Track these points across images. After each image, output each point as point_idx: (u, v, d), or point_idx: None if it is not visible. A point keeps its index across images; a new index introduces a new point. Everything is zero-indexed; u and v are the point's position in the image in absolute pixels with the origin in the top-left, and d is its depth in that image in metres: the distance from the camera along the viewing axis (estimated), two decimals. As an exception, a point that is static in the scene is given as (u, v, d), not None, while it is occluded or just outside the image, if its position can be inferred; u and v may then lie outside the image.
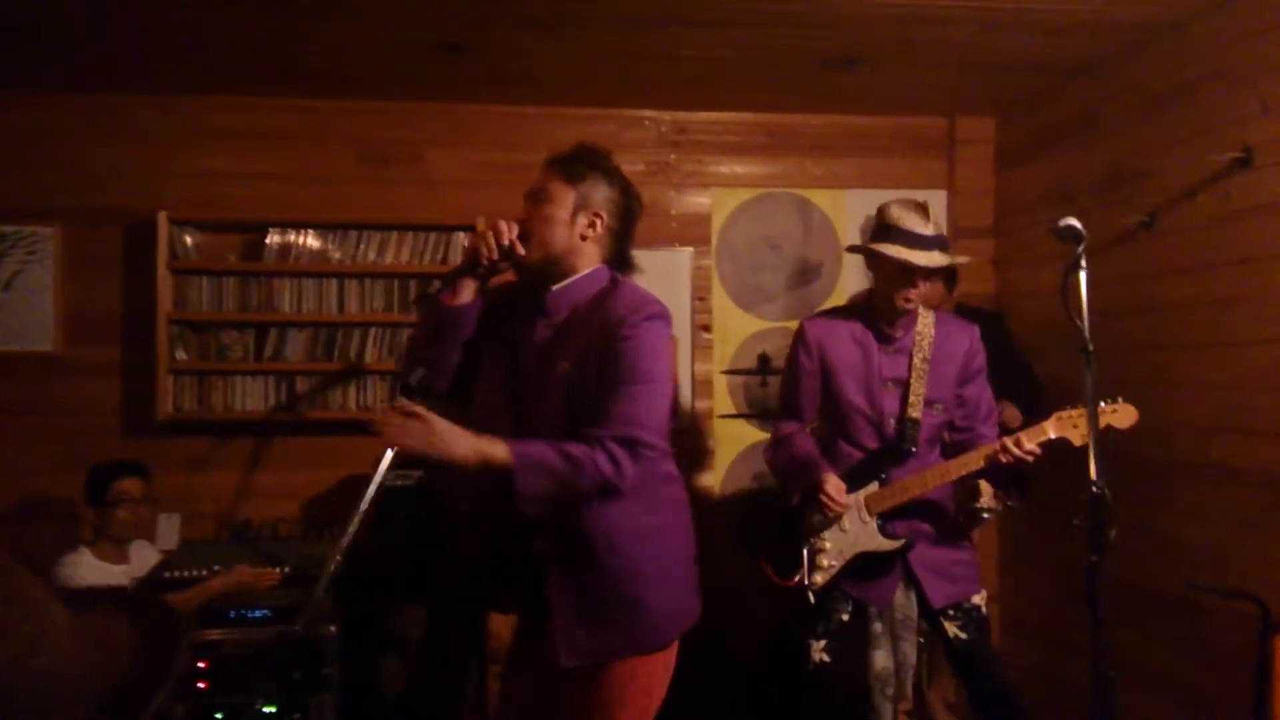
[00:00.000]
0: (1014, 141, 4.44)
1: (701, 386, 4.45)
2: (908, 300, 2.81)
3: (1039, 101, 4.16)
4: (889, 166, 4.54)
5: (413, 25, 3.33)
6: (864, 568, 2.85)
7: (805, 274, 4.53)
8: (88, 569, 3.30)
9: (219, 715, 3.18)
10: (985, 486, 3.27)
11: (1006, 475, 2.92)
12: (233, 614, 3.31)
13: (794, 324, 3.18)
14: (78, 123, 4.07)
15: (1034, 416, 2.81)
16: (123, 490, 3.40)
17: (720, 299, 4.48)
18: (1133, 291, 3.53)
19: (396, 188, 4.26)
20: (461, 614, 3.68)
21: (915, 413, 2.83)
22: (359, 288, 4.14)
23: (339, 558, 2.05)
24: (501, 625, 2.82)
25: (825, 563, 2.85)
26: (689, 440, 4.34)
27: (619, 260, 2.32)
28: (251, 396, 4.07)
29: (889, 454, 2.85)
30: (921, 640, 3.55)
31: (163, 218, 3.95)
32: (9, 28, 3.32)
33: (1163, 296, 3.42)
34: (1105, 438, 2.20)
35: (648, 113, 4.46)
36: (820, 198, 4.53)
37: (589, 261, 2.27)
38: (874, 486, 2.84)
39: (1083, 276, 2.18)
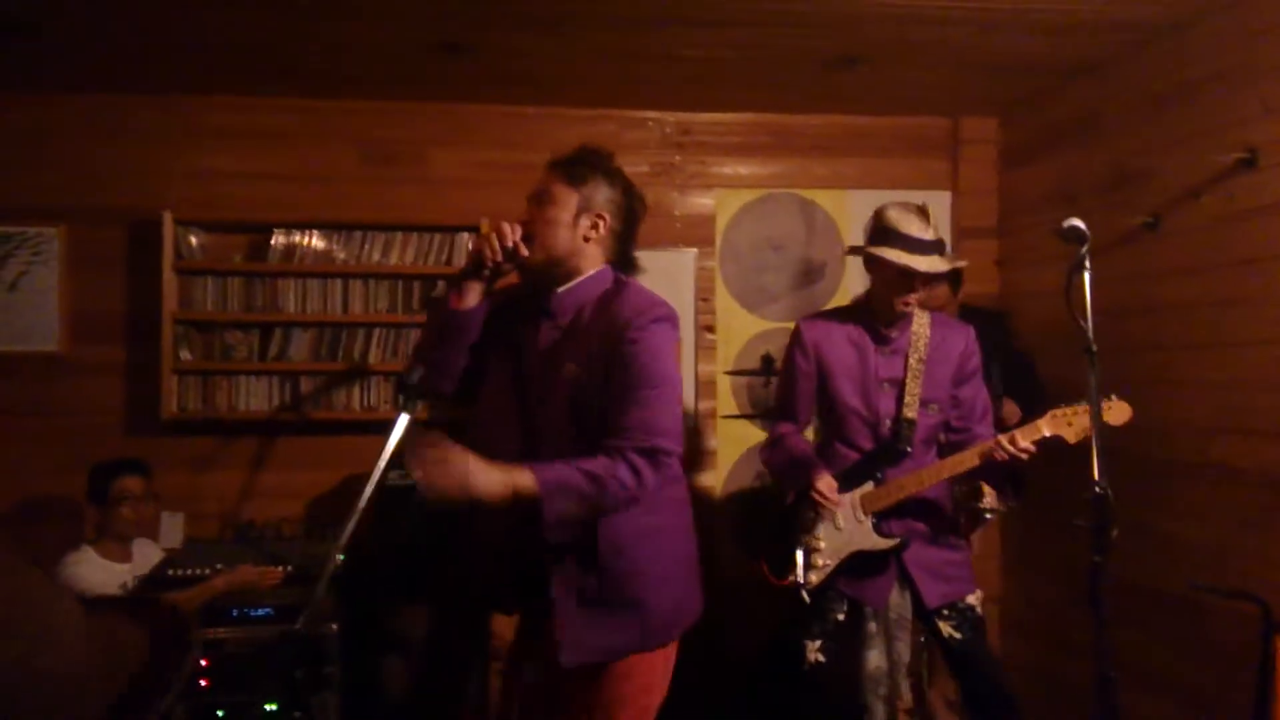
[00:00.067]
0: (1017, 142, 4.43)
1: (705, 387, 4.45)
2: (906, 304, 2.82)
3: (1041, 102, 4.16)
4: (892, 167, 4.54)
5: (412, 25, 3.34)
6: (859, 567, 2.85)
7: (809, 275, 4.53)
8: (91, 567, 3.31)
9: (221, 713, 3.19)
10: (988, 487, 3.27)
11: (1002, 474, 2.92)
12: (235, 613, 3.32)
13: (798, 325, 3.18)
14: (79, 123, 4.09)
15: (1032, 415, 2.81)
16: (125, 488, 3.41)
17: (724, 300, 4.49)
18: (1134, 292, 3.53)
19: (399, 187, 4.27)
20: (464, 614, 3.69)
21: (911, 413, 2.83)
22: (363, 288, 4.15)
23: (339, 556, 2.05)
24: (504, 624, 2.82)
25: (820, 562, 2.85)
26: (691, 440, 4.34)
27: (622, 261, 2.32)
28: (256, 396, 4.08)
29: (884, 454, 2.85)
30: (922, 639, 3.56)
31: (168, 218, 3.96)
32: (9, 28, 3.33)
33: (1164, 296, 3.42)
34: (1104, 437, 2.20)
35: (651, 114, 4.46)
36: (824, 198, 4.53)
37: (592, 263, 2.27)
38: (869, 486, 2.84)
39: (1086, 277, 2.18)
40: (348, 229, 4.14)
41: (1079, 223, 2.18)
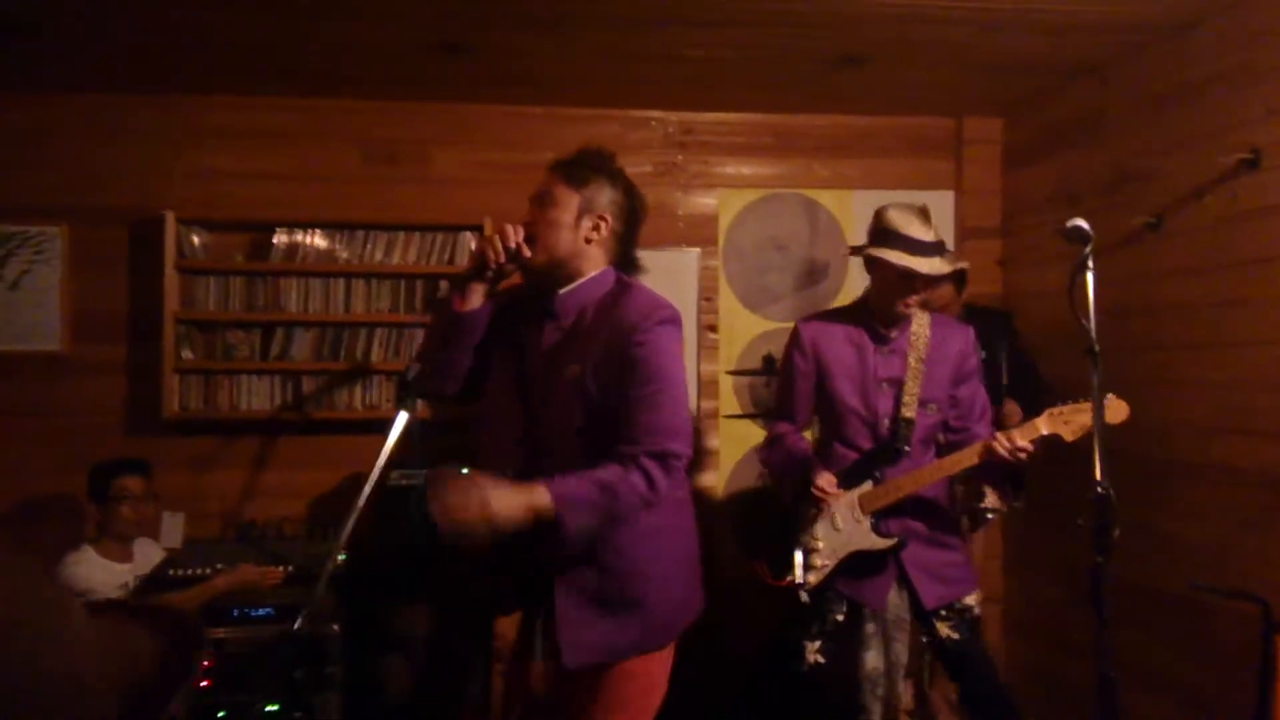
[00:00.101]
0: (1021, 142, 4.43)
1: (707, 387, 4.45)
2: (907, 306, 2.82)
3: (1044, 102, 4.16)
4: (896, 167, 4.54)
5: (413, 25, 3.34)
6: (858, 567, 2.84)
7: (812, 274, 4.53)
8: (92, 567, 3.31)
9: (222, 714, 3.19)
10: (989, 487, 3.27)
11: (1000, 473, 2.92)
12: (236, 612, 3.32)
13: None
14: (80, 122, 4.09)
15: (1032, 415, 2.81)
16: (125, 487, 3.42)
17: (727, 299, 4.49)
18: (1136, 292, 3.53)
19: (400, 187, 4.27)
20: (465, 614, 3.69)
21: (909, 413, 2.83)
22: (365, 288, 4.15)
23: (340, 555, 2.05)
24: (506, 625, 2.82)
25: (819, 562, 2.84)
26: (693, 440, 4.32)
27: (624, 262, 2.33)
28: (257, 396, 4.08)
29: (883, 453, 2.85)
30: (924, 639, 3.56)
31: (170, 217, 3.97)
32: (9, 28, 3.33)
33: (1165, 297, 3.42)
34: (1104, 436, 2.20)
35: (654, 113, 4.46)
36: (827, 198, 4.53)
37: (594, 264, 2.27)
38: (868, 485, 2.84)
39: (1090, 277, 2.18)
40: (349, 228, 4.14)
41: (1083, 223, 2.18)
